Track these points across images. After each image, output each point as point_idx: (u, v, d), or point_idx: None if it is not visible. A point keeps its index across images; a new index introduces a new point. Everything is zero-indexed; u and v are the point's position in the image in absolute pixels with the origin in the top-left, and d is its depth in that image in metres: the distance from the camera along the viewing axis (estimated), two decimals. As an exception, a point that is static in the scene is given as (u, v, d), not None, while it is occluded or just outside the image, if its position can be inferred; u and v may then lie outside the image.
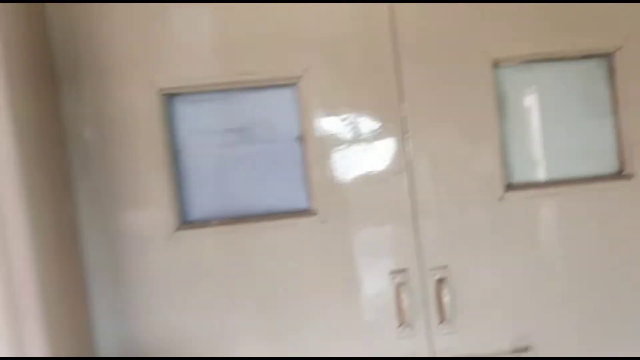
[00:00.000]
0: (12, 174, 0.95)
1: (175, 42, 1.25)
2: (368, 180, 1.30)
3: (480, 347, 1.33)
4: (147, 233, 1.25)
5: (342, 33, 1.29)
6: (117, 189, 1.25)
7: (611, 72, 1.37)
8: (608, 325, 1.36)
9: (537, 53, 1.34)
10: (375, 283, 1.30)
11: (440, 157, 1.31)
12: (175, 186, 1.27)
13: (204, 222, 1.29)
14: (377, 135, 1.31)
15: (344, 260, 1.30)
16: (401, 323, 1.29)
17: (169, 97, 1.28)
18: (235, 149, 1.30)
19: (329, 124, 1.29)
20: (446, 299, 1.29)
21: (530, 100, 1.38)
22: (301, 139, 1.31)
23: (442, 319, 1.30)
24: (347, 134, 1.30)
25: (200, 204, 1.30)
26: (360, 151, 1.30)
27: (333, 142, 1.29)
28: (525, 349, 1.33)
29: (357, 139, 1.30)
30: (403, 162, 1.31)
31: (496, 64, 1.33)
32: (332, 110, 1.29)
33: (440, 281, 1.30)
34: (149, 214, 1.25)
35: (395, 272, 1.30)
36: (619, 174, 1.38)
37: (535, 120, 1.38)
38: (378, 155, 1.31)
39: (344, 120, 1.30)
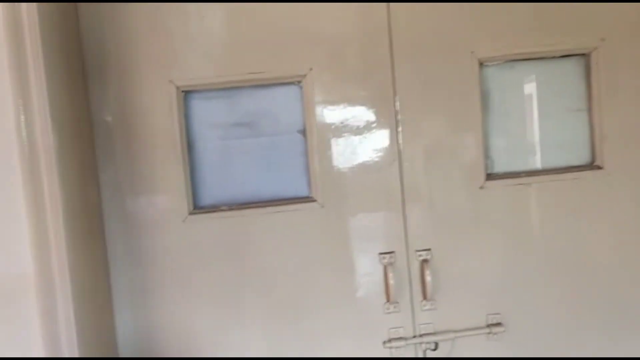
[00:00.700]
0: (51, 161, 1.07)
1: (191, 43, 1.37)
2: (363, 169, 1.44)
3: (458, 322, 1.48)
4: (163, 217, 1.39)
5: (343, 34, 1.41)
6: (137, 176, 1.38)
7: (587, 71, 1.49)
8: (576, 306, 1.51)
9: (520, 53, 1.46)
10: (366, 263, 1.45)
11: (428, 149, 1.44)
12: (189, 175, 1.41)
13: (214, 208, 1.43)
14: (372, 129, 1.43)
15: (339, 242, 1.44)
16: (388, 299, 1.45)
17: (185, 93, 1.41)
18: (243, 141, 1.44)
19: (329, 118, 1.42)
20: (429, 278, 1.43)
21: (512, 97, 1.50)
22: (304, 132, 1.44)
23: (424, 296, 1.45)
24: (346, 128, 1.43)
25: (211, 191, 1.44)
26: (357, 143, 1.43)
27: (332, 135, 1.42)
28: (498, 325, 1.48)
29: (354, 132, 1.43)
30: (395, 153, 1.44)
31: (482, 63, 1.45)
32: (332, 106, 1.42)
33: (424, 262, 1.44)
34: (165, 199, 1.39)
35: (384, 254, 1.44)
36: (591, 165, 1.51)
37: (516, 115, 1.50)
38: (373, 147, 1.44)
39: (343, 114, 1.42)
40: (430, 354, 1.49)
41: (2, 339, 1.05)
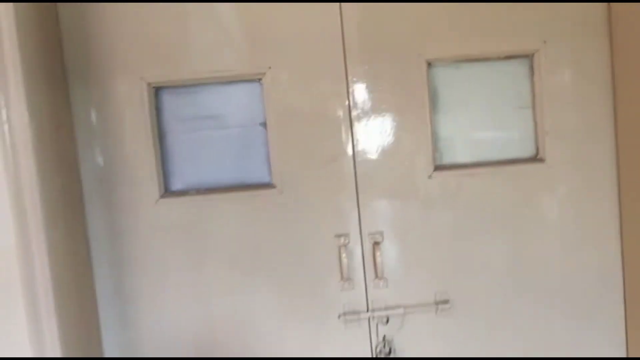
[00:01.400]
0: (28, 156, 1.24)
1: (161, 44, 1.52)
2: (320, 159, 1.57)
3: (408, 299, 1.62)
4: (137, 200, 1.55)
5: (299, 34, 1.53)
6: (114, 165, 1.54)
7: (531, 71, 1.60)
8: (515, 286, 1.63)
9: (466, 55, 1.57)
10: (322, 244, 1.59)
11: (380, 141, 1.57)
12: (160, 162, 1.56)
13: (183, 192, 1.58)
14: (328, 122, 1.56)
15: (297, 225, 1.58)
16: (342, 277, 1.59)
17: (156, 89, 1.56)
18: (210, 133, 1.58)
19: (288, 112, 1.55)
20: (379, 259, 1.57)
21: (460, 95, 1.61)
22: (264, 124, 1.58)
23: (376, 275, 1.59)
24: (303, 121, 1.56)
25: (181, 177, 1.60)
26: (314, 135, 1.56)
27: (291, 127, 1.56)
28: (445, 302, 1.62)
29: (311, 124, 1.56)
30: (350, 145, 1.57)
31: (429, 64, 1.57)
32: (290, 101, 1.55)
33: (376, 244, 1.57)
34: (139, 184, 1.55)
35: (338, 236, 1.58)
36: (534, 158, 1.63)
37: (463, 112, 1.62)
38: (329, 139, 1.57)
39: (300, 109, 1.56)
40: (381, 328, 1.62)
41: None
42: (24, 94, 1.22)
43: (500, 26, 1.56)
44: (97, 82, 1.52)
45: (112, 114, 1.53)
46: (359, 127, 1.57)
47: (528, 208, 1.61)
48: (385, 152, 1.58)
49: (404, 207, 1.60)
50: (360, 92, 1.56)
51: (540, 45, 1.57)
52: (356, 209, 1.59)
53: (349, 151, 1.57)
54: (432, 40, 1.55)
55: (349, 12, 1.53)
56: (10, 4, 1.19)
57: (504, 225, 1.61)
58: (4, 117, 1.19)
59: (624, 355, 1.64)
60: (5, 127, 1.19)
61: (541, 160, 1.61)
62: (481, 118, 1.63)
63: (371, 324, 1.63)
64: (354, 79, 1.55)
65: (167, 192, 1.58)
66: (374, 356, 1.63)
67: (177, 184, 1.60)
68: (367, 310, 1.62)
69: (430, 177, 1.59)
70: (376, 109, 1.57)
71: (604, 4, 1.55)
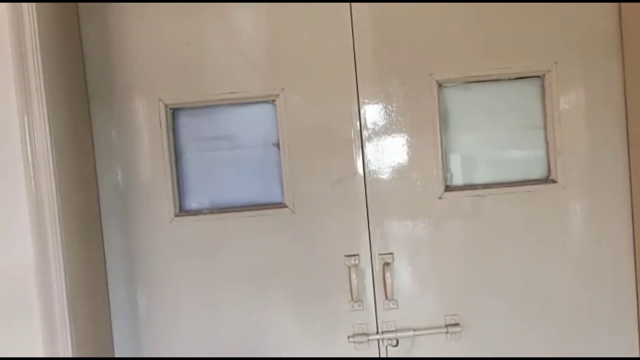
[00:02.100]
0: (49, 176, 1.29)
1: (179, 66, 1.57)
2: (330, 179, 1.59)
3: (418, 321, 1.61)
4: (153, 219, 1.59)
5: (312, 57, 1.57)
6: (131, 183, 1.59)
7: (542, 92, 1.61)
8: (526, 310, 1.60)
9: (477, 75, 1.59)
10: (332, 264, 1.59)
11: (391, 162, 1.59)
12: (176, 182, 1.61)
13: (198, 211, 1.62)
14: (340, 142, 1.59)
15: (308, 244, 1.60)
16: (352, 298, 1.59)
17: (173, 111, 1.61)
18: (224, 153, 1.62)
19: (301, 133, 1.59)
20: (390, 280, 1.56)
21: (471, 115, 1.62)
22: (278, 144, 1.62)
23: (386, 296, 1.58)
24: (315, 141, 1.59)
25: (196, 197, 1.63)
26: (326, 155, 1.59)
27: (304, 147, 1.59)
28: (456, 325, 1.60)
29: (323, 145, 1.59)
30: (361, 166, 1.59)
31: (440, 85, 1.59)
32: (303, 121, 1.59)
33: (386, 265, 1.58)
34: (155, 203, 1.59)
35: (349, 256, 1.59)
36: (546, 179, 1.62)
37: (474, 132, 1.63)
38: (341, 159, 1.59)
39: (313, 129, 1.59)
40: (391, 350, 1.62)
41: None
42: (47, 116, 1.27)
43: (511, 47, 1.57)
44: (117, 103, 1.58)
45: (130, 134, 1.58)
46: (370, 148, 1.59)
47: (540, 229, 1.60)
48: (396, 173, 1.59)
49: (415, 228, 1.60)
50: (371, 112, 1.58)
51: (552, 66, 1.57)
52: (367, 229, 1.60)
53: (360, 171, 1.59)
54: (443, 61, 1.58)
55: (361, 34, 1.57)
56: (35, 25, 1.25)
57: (516, 247, 1.60)
58: (27, 138, 1.24)
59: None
60: (28, 148, 1.25)
61: (553, 181, 1.60)
62: (492, 139, 1.63)
63: (380, 346, 1.62)
64: (366, 100, 1.58)
65: (182, 211, 1.62)
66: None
67: (191, 203, 1.63)
68: (377, 332, 1.61)
69: (441, 197, 1.59)
70: (387, 129, 1.59)
71: (615, 23, 1.55)
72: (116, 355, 1.60)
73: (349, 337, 1.61)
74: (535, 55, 1.58)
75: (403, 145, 1.59)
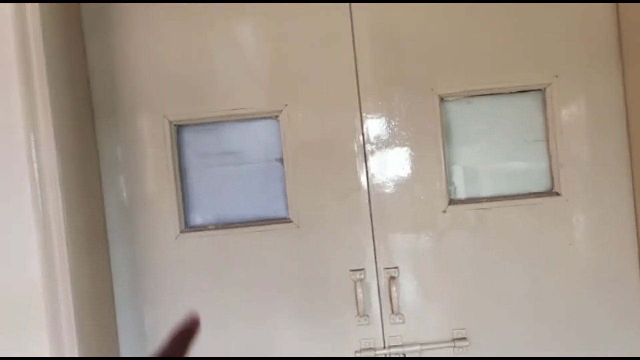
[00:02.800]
0: (56, 193, 1.30)
1: (183, 83, 1.59)
2: (334, 194, 1.60)
3: (425, 336, 1.60)
4: (159, 235, 1.60)
5: (314, 73, 1.59)
6: (137, 199, 1.60)
7: (543, 105, 1.62)
8: (536, 323, 1.60)
9: (478, 89, 1.60)
10: (338, 279, 1.59)
11: (395, 176, 1.60)
12: (181, 198, 1.62)
13: (203, 227, 1.62)
14: (343, 157, 1.60)
15: (314, 259, 1.60)
16: (358, 312, 1.58)
17: (177, 127, 1.63)
18: (228, 168, 1.63)
19: (304, 148, 1.60)
20: (396, 294, 1.56)
21: (473, 128, 1.64)
22: (281, 160, 1.63)
23: (393, 310, 1.58)
24: (319, 156, 1.60)
25: (201, 212, 1.64)
26: (330, 170, 1.60)
27: (307, 162, 1.60)
28: (463, 339, 1.59)
29: (326, 160, 1.60)
30: (365, 180, 1.60)
31: (442, 99, 1.61)
32: (306, 137, 1.60)
33: (392, 279, 1.58)
34: (160, 219, 1.60)
35: (354, 270, 1.59)
36: (550, 192, 1.62)
37: (477, 145, 1.64)
38: (344, 174, 1.60)
39: (316, 144, 1.60)
40: (399, 365, 1.61)
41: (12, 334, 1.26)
42: (53, 134, 1.29)
43: (512, 61, 1.59)
44: (122, 120, 1.59)
45: (135, 151, 1.59)
46: (373, 162, 1.60)
47: (545, 242, 1.60)
48: (400, 187, 1.60)
49: (420, 242, 1.60)
50: (374, 127, 1.60)
51: (552, 79, 1.59)
52: (372, 243, 1.60)
53: (364, 185, 1.60)
54: (445, 75, 1.59)
55: (363, 49, 1.59)
56: (40, 43, 1.28)
57: (521, 259, 1.60)
58: (34, 156, 1.26)
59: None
60: (35, 166, 1.26)
61: (557, 193, 1.60)
62: (495, 152, 1.64)
63: (388, 360, 1.61)
64: (368, 115, 1.59)
65: (187, 227, 1.63)
66: (392, 393, 1.60)
67: (197, 219, 1.64)
68: (384, 347, 1.60)
69: (445, 211, 1.60)
70: (390, 143, 1.60)
71: (615, 36, 1.57)
72: (122, 373, 1.59)
73: (355, 352, 1.60)
74: (536, 69, 1.59)
75: (406, 159, 1.60)
